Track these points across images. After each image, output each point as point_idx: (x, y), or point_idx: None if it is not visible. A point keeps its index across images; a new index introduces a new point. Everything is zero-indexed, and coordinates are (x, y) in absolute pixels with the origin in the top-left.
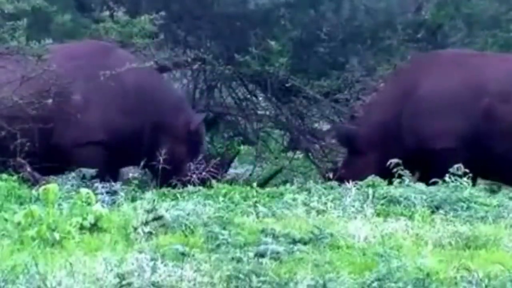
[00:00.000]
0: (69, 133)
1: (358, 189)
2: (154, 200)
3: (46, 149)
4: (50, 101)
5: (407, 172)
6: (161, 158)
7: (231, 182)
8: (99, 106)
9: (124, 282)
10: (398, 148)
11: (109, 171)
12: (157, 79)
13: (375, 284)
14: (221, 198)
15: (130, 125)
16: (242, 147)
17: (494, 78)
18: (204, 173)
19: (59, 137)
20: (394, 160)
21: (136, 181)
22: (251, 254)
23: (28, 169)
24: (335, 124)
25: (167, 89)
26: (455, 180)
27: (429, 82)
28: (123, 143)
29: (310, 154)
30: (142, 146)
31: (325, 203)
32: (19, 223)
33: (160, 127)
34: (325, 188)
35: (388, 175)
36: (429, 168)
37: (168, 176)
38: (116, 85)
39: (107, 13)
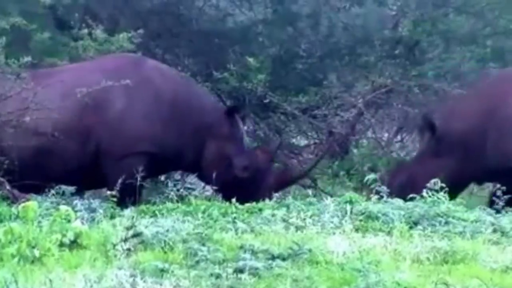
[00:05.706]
0: (114, 144)
1: (336, 205)
2: (133, 217)
3: (89, 162)
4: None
5: (384, 188)
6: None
7: (210, 198)
8: (141, 116)
9: None
10: (476, 159)
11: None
12: (192, 84)
13: None
14: (200, 215)
15: (171, 133)
16: None
17: None
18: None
19: (104, 149)
20: (372, 176)
21: (114, 198)
22: (230, 270)
23: (7, 187)
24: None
25: (202, 92)
26: (433, 195)
27: None
28: (165, 151)
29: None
30: (186, 152)
31: (304, 219)
32: None
33: (203, 129)
34: (304, 204)
35: (457, 184)
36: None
37: (221, 177)
38: (153, 94)
39: (85, 31)
